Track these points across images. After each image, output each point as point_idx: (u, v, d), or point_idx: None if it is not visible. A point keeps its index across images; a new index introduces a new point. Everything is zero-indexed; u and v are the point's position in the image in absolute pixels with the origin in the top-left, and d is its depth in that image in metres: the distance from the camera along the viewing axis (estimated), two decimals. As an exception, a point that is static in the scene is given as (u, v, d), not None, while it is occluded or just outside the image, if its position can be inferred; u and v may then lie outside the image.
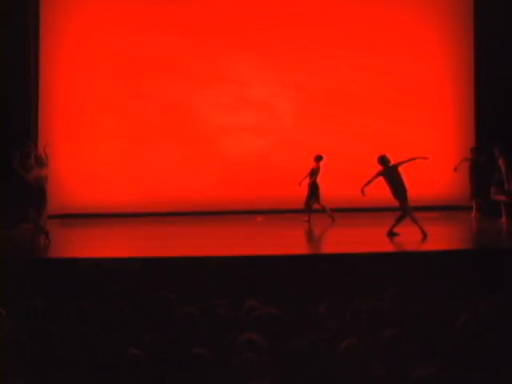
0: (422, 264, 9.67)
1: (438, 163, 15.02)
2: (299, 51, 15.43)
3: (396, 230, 11.66)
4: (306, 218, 14.01)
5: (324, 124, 15.50)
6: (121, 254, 10.91)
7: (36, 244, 11.59)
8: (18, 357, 5.18)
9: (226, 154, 15.52)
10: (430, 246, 11.20)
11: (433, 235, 11.50)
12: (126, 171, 15.40)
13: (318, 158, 13.96)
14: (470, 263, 9.66)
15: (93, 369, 5.07)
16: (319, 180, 13.92)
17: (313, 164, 14.00)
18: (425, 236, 11.47)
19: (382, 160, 11.70)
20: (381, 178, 11.63)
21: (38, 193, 11.46)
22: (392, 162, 11.70)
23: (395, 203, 11.78)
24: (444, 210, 14.95)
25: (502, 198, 13.57)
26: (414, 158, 11.74)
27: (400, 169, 11.67)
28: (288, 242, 11.90)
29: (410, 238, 11.39)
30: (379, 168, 11.68)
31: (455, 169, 14.45)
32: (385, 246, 11.08)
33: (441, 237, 11.86)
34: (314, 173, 13.92)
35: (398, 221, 11.70)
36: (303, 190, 13.93)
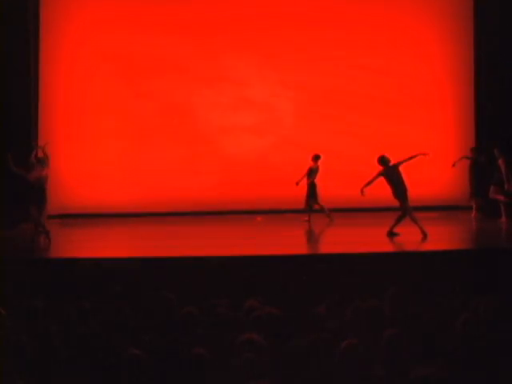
0: (422, 264, 9.67)
1: (438, 163, 15.03)
2: (299, 51, 15.44)
3: (396, 230, 11.66)
4: (306, 218, 14.01)
5: (324, 124, 15.50)
6: (121, 254, 10.91)
7: (36, 244, 11.59)
8: (17, 357, 5.18)
9: (225, 154, 15.52)
10: (429, 245, 11.20)
11: (433, 235, 11.50)
12: (126, 171, 15.40)
13: (316, 158, 13.96)
14: (470, 263, 9.66)
15: (93, 369, 5.07)
16: (318, 180, 13.92)
17: (310, 163, 13.99)
18: (425, 236, 11.46)
19: (382, 160, 11.70)
20: (381, 178, 11.63)
21: (38, 192, 11.48)
22: (392, 162, 11.70)
23: (395, 203, 11.78)
24: (444, 209, 14.95)
25: (500, 197, 13.57)
26: (414, 156, 11.74)
27: (400, 168, 11.67)
28: (288, 242, 11.90)
29: (410, 238, 11.39)
30: (379, 168, 11.68)
31: (453, 164, 14.45)
32: (385, 246, 11.08)
33: (441, 237, 11.86)
34: (312, 172, 13.92)
35: (398, 221, 11.70)
36: (303, 190, 13.93)
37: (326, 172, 14.03)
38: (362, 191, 11.46)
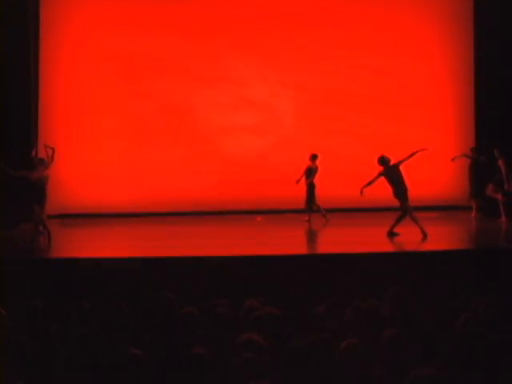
0: (422, 264, 9.67)
1: (438, 163, 15.05)
2: (299, 51, 15.44)
3: (396, 229, 11.66)
4: (306, 218, 14.01)
5: (324, 124, 15.50)
6: (121, 254, 10.91)
7: (36, 244, 11.60)
8: (17, 357, 5.18)
9: (225, 154, 15.52)
10: (429, 245, 11.20)
11: (433, 235, 11.50)
12: (126, 171, 15.40)
13: (314, 157, 13.95)
14: (470, 263, 9.66)
15: (93, 369, 5.07)
16: (318, 180, 13.90)
17: (308, 163, 13.97)
18: (425, 236, 11.46)
19: (382, 160, 11.70)
20: (382, 178, 11.63)
21: (38, 192, 11.51)
22: (392, 162, 11.70)
23: (395, 203, 11.79)
24: (444, 209, 14.95)
25: (498, 196, 13.58)
26: (413, 154, 11.73)
27: (401, 168, 11.67)
28: (288, 242, 11.90)
29: (410, 238, 11.39)
30: (379, 168, 11.68)
31: (453, 159, 14.46)
32: (385, 246, 11.08)
33: (441, 237, 11.86)
34: (311, 172, 13.89)
35: (398, 221, 11.70)
36: (302, 190, 13.92)
37: (326, 172, 14.03)
38: (361, 191, 11.45)
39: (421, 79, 15.50)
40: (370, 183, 11.53)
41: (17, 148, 14.08)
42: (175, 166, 15.37)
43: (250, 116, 15.57)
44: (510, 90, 14.60)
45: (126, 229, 14.21)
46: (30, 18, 14.88)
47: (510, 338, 5.29)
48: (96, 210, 15.16)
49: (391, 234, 11.67)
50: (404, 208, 11.67)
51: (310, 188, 13.88)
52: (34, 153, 12.55)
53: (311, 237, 13.39)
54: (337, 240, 11.97)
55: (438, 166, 15.10)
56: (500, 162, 13.50)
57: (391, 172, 11.63)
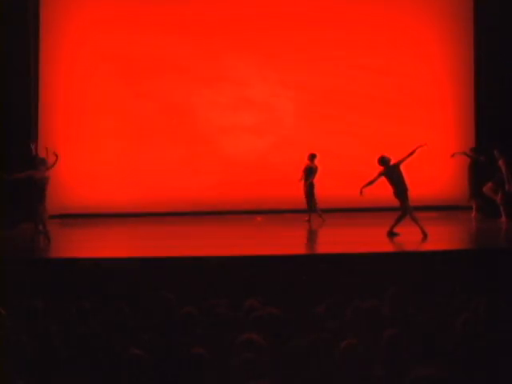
0: (422, 264, 9.67)
1: (438, 163, 15.05)
2: (299, 51, 15.43)
3: (396, 229, 11.66)
4: (307, 218, 14.00)
5: (324, 124, 15.49)
6: (120, 253, 10.91)
7: (36, 244, 11.60)
8: (17, 357, 5.18)
9: (225, 154, 15.52)
10: (429, 246, 11.20)
11: (433, 235, 11.50)
12: (126, 171, 15.39)
13: (312, 157, 13.93)
14: (470, 263, 9.66)
15: (93, 369, 5.07)
16: (318, 180, 13.88)
17: (306, 162, 13.94)
18: (425, 236, 11.46)
19: (383, 160, 11.70)
20: (382, 178, 11.64)
21: (39, 192, 11.54)
22: (392, 161, 11.70)
23: (395, 203, 11.79)
24: (444, 209, 14.95)
25: (495, 197, 13.60)
26: (413, 152, 11.72)
27: (401, 168, 11.67)
28: (288, 242, 11.90)
29: (410, 238, 11.39)
30: (379, 168, 11.68)
31: (453, 155, 14.46)
32: (385, 246, 11.08)
33: (441, 237, 11.86)
34: (311, 172, 13.87)
35: (398, 221, 11.70)
36: (302, 190, 13.91)
37: (326, 172, 14.03)
38: (361, 192, 11.45)
39: (421, 79, 15.50)
40: (370, 183, 11.53)
41: (17, 148, 14.08)
42: (175, 166, 15.37)
43: (250, 116, 15.57)
44: (510, 90, 14.60)
45: (125, 229, 14.21)
46: (29, 18, 14.87)
47: (510, 338, 5.29)
48: (96, 210, 15.16)
49: (391, 234, 11.66)
50: (404, 208, 11.67)
51: (310, 188, 13.87)
52: (34, 150, 12.53)
53: (311, 237, 13.39)
54: (337, 240, 11.97)
55: (438, 166, 15.10)
56: (500, 163, 13.49)
57: (391, 172, 11.63)
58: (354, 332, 5.50)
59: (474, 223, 13.97)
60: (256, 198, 15.17)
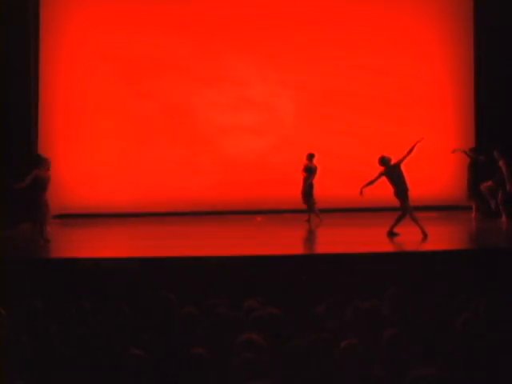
0: (422, 264, 9.67)
1: (438, 163, 15.05)
2: (299, 51, 15.43)
3: (396, 229, 11.66)
4: (306, 218, 13.99)
5: (324, 124, 15.49)
6: (120, 253, 10.91)
7: (36, 244, 11.60)
8: (18, 357, 5.18)
9: (225, 154, 15.52)
10: (430, 246, 11.20)
11: (433, 235, 11.50)
12: (126, 171, 15.39)
13: (311, 156, 13.90)
14: (470, 263, 9.66)
15: (93, 369, 5.07)
16: (318, 180, 13.86)
17: (305, 162, 13.91)
18: (425, 236, 11.46)
19: (383, 160, 11.71)
20: (382, 178, 11.64)
21: (41, 192, 11.59)
22: (393, 161, 11.70)
23: (395, 203, 11.78)
24: (444, 209, 14.95)
25: (491, 200, 13.63)
26: (411, 149, 11.72)
27: (402, 168, 11.67)
28: (288, 242, 11.90)
29: (410, 238, 11.39)
30: (380, 168, 11.68)
31: (453, 151, 14.47)
32: (385, 246, 11.08)
33: (441, 237, 11.85)
34: (311, 172, 13.84)
35: (398, 221, 11.70)
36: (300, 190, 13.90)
37: (326, 172, 14.02)
38: (361, 192, 11.45)
39: (421, 79, 15.50)
40: (370, 183, 11.53)
41: (17, 148, 14.09)
42: (174, 166, 15.37)
43: (250, 116, 15.57)
44: (510, 90, 14.60)
45: (125, 229, 14.21)
46: (29, 18, 14.87)
47: (510, 338, 5.29)
48: (96, 210, 15.15)
49: (391, 234, 11.67)
50: (404, 208, 11.68)
51: (310, 188, 13.85)
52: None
53: (311, 237, 13.39)
54: (337, 240, 11.96)
55: (438, 166, 15.10)
56: (501, 163, 13.48)
57: (392, 172, 11.63)
58: (354, 332, 5.50)
59: (474, 223, 13.97)
60: (256, 197, 15.17)
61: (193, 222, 14.65)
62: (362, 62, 15.42)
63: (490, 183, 13.74)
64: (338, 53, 15.43)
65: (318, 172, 13.88)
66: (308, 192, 13.86)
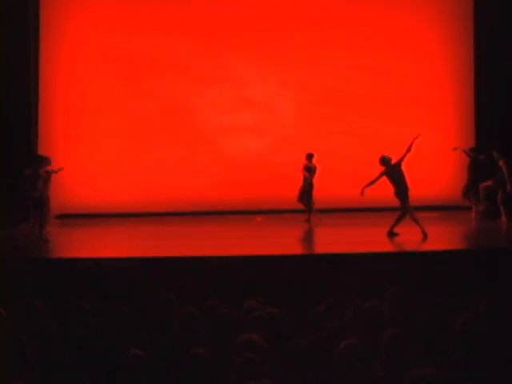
0: (422, 264, 9.67)
1: (438, 163, 15.05)
2: (299, 51, 15.42)
3: (396, 229, 11.66)
4: (306, 218, 13.99)
5: (324, 124, 15.48)
6: (120, 253, 10.90)
7: (36, 244, 11.60)
8: (18, 357, 5.18)
9: (225, 154, 15.52)
10: (430, 246, 11.20)
11: (433, 235, 11.50)
12: (126, 171, 15.39)
13: (310, 156, 13.88)
14: (470, 263, 9.66)
15: (93, 369, 5.07)
16: (317, 180, 13.84)
17: (304, 162, 13.88)
18: (425, 236, 11.46)
19: (383, 160, 11.71)
20: (383, 178, 11.64)
21: (43, 192, 11.63)
22: (393, 161, 11.70)
23: (395, 203, 11.78)
24: (444, 210, 14.94)
25: (484, 198, 13.66)
26: (410, 147, 11.70)
27: (403, 167, 11.66)
28: (288, 241, 11.90)
29: (410, 238, 11.38)
30: (380, 168, 11.68)
31: (454, 149, 14.47)
32: (385, 246, 11.07)
33: (441, 237, 11.85)
34: (311, 171, 13.82)
35: (398, 220, 11.70)
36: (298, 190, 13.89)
37: (326, 172, 14.02)
38: (362, 192, 11.46)
39: (421, 79, 15.49)
40: (371, 183, 11.54)
41: (17, 148, 14.09)
42: (174, 166, 15.36)
43: (250, 116, 15.56)
44: (510, 90, 14.60)
45: (125, 229, 14.20)
46: (29, 18, 14.86)
47: (510, 338, 5.29)
48: (96, 210, 15.15)
49: (391, 234, 11.66)
50: (404, 208, 11.68)
51: (310, 188, 13.84)
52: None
53: (311, 237, 13.38)
54: (337, 240, 11.96)
55: (438, 166, 15.09)
56: (501, 163, 13.47)
57: (393, 171, 11.63)
58: (354, 332, 5.50)
59: (474, 223, 13.96)
60: (256, 197, 15.17)
61: (193, 222, 14.65)
62: (362, 61, 15.41)
63: (490, 183, 13.75)
64: (337, 53, 15.42)
65: (318, 172, 13.87)
66: (308, 192, 13.85)
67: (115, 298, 6.85)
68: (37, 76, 15.14)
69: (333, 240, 12.21)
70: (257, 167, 15.38)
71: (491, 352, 5.10)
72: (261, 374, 4.69)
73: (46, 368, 5.17)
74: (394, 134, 15.05)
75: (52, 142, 15.00)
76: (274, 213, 14.93)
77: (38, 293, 7.67)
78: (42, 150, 14.40)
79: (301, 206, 13.94)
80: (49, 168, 12.01)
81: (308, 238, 13.29)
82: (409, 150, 11.68)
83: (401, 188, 11.63)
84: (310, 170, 13.86)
